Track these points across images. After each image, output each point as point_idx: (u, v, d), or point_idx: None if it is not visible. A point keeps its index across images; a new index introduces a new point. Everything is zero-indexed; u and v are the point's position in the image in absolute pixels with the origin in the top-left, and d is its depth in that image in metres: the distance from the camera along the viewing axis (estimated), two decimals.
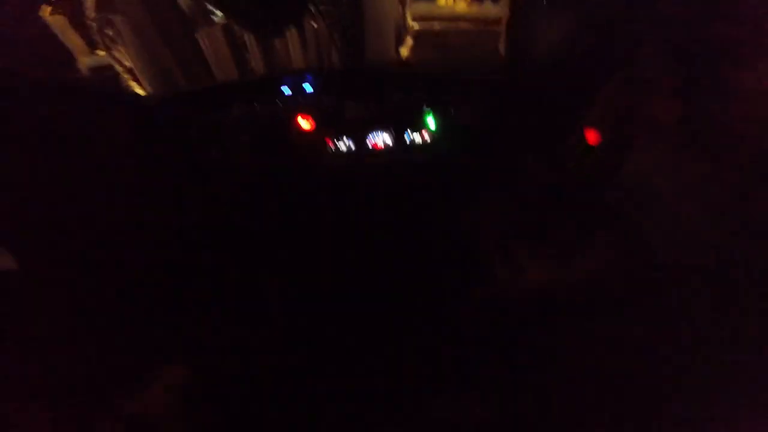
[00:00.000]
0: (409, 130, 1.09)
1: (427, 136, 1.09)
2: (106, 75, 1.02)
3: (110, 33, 0.98)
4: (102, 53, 1.01)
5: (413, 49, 1.04)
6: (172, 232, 1.03)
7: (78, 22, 0.97)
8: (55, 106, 0.90)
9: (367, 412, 0.99)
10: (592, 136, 0.97)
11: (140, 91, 1.04)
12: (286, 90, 1.04)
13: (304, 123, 1.05)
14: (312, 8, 1.00)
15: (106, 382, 0.91)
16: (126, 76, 1.03)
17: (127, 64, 1.02)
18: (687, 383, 0.85)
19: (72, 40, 0.98)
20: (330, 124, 1.07)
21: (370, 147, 1.09)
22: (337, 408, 0.99)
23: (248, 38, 1.02)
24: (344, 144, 1.09)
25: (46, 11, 0.95)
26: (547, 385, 0.98)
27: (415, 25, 1.01)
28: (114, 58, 1.01)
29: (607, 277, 1.00)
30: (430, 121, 1.07)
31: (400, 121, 1.08)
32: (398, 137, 1.09)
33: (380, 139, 1.09)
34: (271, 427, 1.00)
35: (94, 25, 0.97)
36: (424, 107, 1.06)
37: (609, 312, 0.95)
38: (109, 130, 0.98)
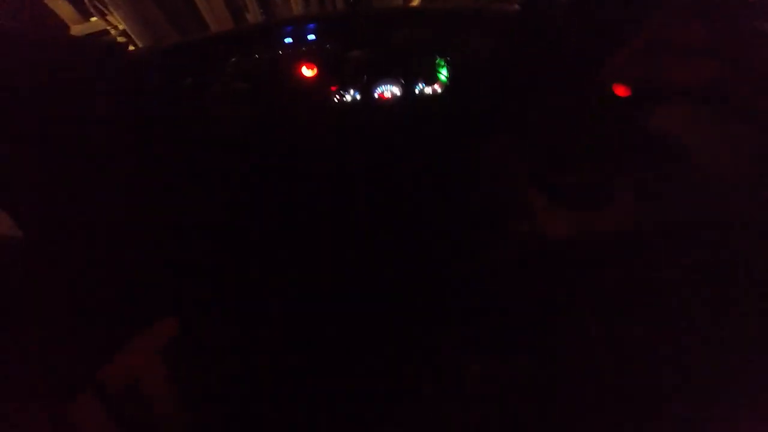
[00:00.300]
0: (419, 79, 1.04)
1: (437, 84, 1.04)
2: (101, 39, 0.99)
3: None
4: (95, 19, 0.99)
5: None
6: (175, 202, 1.00)
7: None
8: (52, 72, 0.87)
9: (367, 411, 0.99)
10: (620, 88, 0.93)
11: (135, 51, 1.01)
12: (288, 38, 1.00)
13: (307, 72, 1.00)
14: None
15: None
16: (121, 38, 1.00)
17: (121, 26, 0.99)
18: (687, 383, 0.85)
19: (62, 8, 0.96)
20: (335, 71, 1.01)
21: (377, 95, 1.04)
22: (336, 399, 0.98)
23: None
24: (350, 92, 1.04)
25: None
26: (547, 384, 0.98)
27: None
28: (107, 21, 0.98)
29: (626, 232, 0.96)
30: (443, 71, 1.03)
31: (409, 67, 1.03)
32: (407, 84, 1.04)
33: (388, 84, 1.04)
34: (271, 427, 1.00)
35: None
36: (436, 57, 1.01)
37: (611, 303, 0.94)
38: (106, 97, 0.95)
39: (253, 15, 1.02)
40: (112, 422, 0.88)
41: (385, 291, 1.08)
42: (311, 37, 1.00)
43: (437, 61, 1.03)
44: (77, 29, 0.98)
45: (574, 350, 0.96)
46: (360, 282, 1.08)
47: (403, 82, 1.05)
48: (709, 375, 0.83)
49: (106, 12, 0.97)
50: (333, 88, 1.03)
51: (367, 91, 1.04)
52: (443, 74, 1.04)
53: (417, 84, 1.05)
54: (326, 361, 1.03)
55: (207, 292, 1.03)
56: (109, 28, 0.99)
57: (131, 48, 1.01)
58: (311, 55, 1.00)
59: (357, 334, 1.06)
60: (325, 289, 1.07)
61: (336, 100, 1.04)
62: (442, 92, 1.06)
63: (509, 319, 1.03)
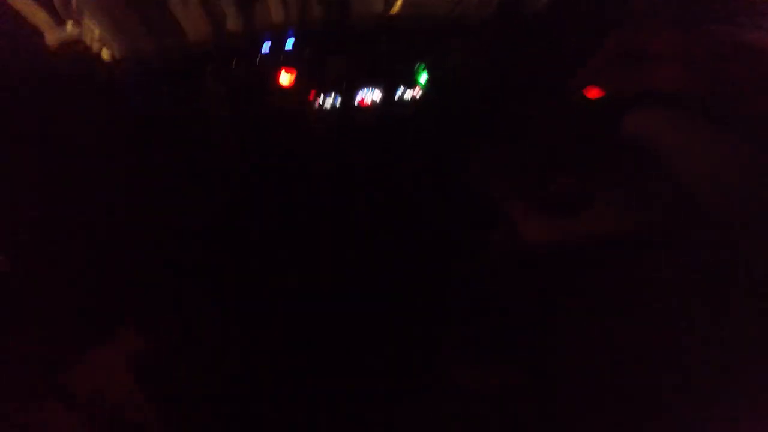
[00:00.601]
0: (399, 85, 1.05)
1: (418, 91, 1.06)
2: (76, 48, 0.98)
3: (74, 3, 0.93)
4: (69, 26, 0.97)
5: (402, 7, 1.01)
6: (160, 209, 0.99)
7: None
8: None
9: (367, 411, 0.99)
10: (592, 91, 0.96)
11: (111, 60, 0.98)
12: (266, 47, 1.00)
13: (285, 79, 1.00)
14: None
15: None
16: (96, 45, 0.98)
17: (96, 33, 0.97)
18: (687, 383, 0.85)
19: (35, 14, 0.93)
20: (314, 77, 1.02)
21: (357, 104, 1.05)
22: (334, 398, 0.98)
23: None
24: (331, 101, 1.04)
25: None
26: (547, 385, 0.98)
27: None
28: (82, 28, 0.97)
29: (610, 234, 0.97)
30: (422, 76, 1.05)
31: (390, 74, 1.04)
32: (388, 92, 1.05)
33: (368, 94, 1.05)
34: (271, 427, 1.00)
35: None
36: (417, 63, 1.03)
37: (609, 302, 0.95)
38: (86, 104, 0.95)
39: (232, 22, 1.02)
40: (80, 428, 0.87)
41: (384, 291, 1.08)
42: (290, 45, 1.01)
43: (417, 66, 1.04)
44: (51, 36, 0.97)
45: (574, 350, 0.96)
46: (354, 283, 1.08)
47: (383, 87, 1.05)
48: (709, 375, 0.83)
49: (80, 18, 0.96)
50: (312, 96, 1.04)
51: (346, 97, 1.05)
52: (423, 79, 1.05)
53: (397, 89, 1.06)
54: (326, 361, 1.03)
55: (206, 292, 1.03)
56: (83, 34, 0.98)
57: (107, 54, 1.00)
58: (289, 62, 1.00)
59: (357, 335, 1.06)
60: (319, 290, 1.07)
61: (316, 107, 1.05)
62: (422, 97, 1.07)
63: (509, 319, 1.03)
